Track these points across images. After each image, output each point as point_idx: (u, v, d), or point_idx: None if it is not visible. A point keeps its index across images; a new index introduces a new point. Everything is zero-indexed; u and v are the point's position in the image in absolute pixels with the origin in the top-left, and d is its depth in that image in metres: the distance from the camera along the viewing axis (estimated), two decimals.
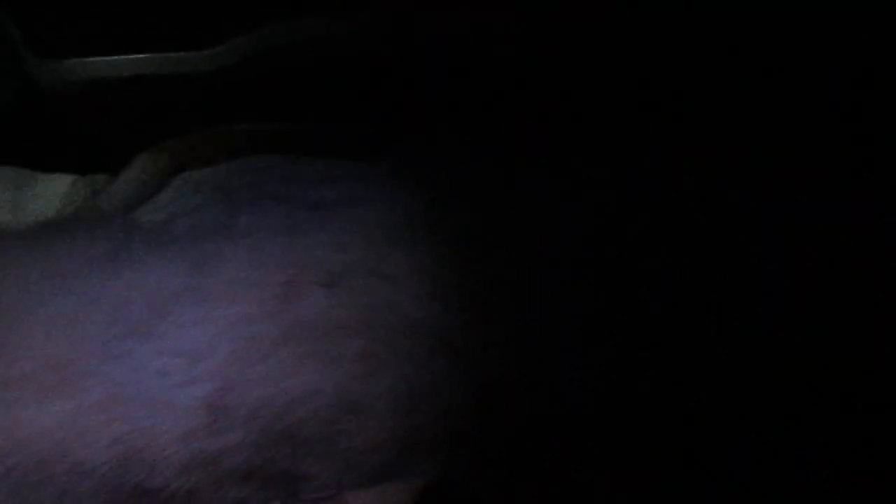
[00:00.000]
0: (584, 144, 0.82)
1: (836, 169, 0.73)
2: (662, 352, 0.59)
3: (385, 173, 0.72)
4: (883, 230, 0.66)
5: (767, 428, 0.56)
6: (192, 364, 0.55)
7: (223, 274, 0.60)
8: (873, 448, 0.55)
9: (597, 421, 0.56)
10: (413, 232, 0.64)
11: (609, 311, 0.62)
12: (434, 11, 0.81)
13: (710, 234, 0.69)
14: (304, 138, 0.81)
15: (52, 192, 0.79)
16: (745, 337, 0.60)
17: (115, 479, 0.53)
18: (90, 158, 0.82)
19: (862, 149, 0.74)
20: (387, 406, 0.55)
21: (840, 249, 0.65)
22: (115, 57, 0.83)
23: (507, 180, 0.72)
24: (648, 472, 0.55)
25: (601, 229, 0.70)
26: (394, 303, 0.58)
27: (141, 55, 0.83)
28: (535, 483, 0.55)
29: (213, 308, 0.57)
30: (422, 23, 0.82)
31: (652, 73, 0.85)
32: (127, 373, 0.55)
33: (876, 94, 0.78)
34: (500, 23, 0.82)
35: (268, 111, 0.84)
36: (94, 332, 0.57)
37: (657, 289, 0.63)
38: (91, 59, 0.83)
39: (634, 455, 0.56)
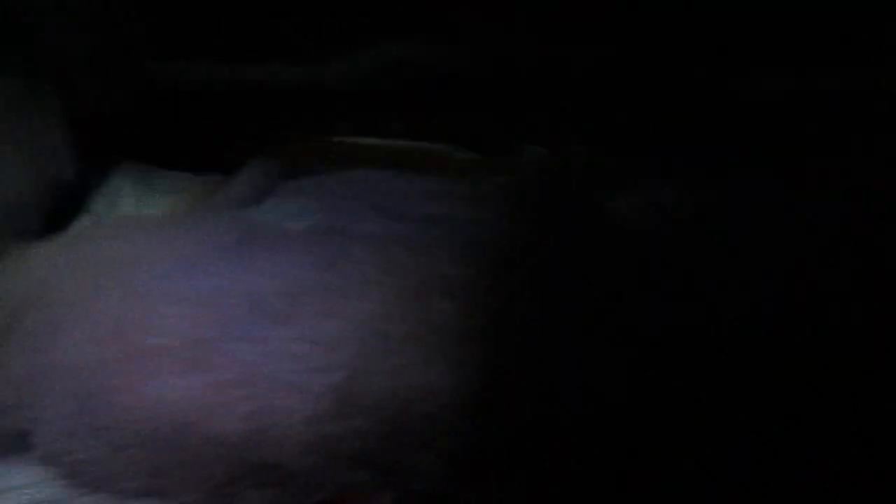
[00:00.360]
0: (587, 144, 0.83)
1: (835, 169, 0.73)
2: (663, 353, 0.59)
3: (481, 194, 0.76)
4: (883, 230, 0.66)
5: (767, 428, 0.56)
6: (325, 352, 0.57)
7: (353, 274, 0.63)
8: (873, 448, 0.55)
9: (597, 421, 0.56)
10: (510, 251, 0.68)
11: (609, 312, 0.62)
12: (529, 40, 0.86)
13: (710, 235, 0.69)
14: (404, 155, 0.84)
15: (171, 188, 0.83)
16: (746, 337, 0.60)
17: (243, 451, 0.55)
18: (206, 158, 0.85)
19: (862, 149, 0.75)
20: (492, 409, 0.57)
21: (840, 249, 0.65)
22: (233, 64, 0.88)
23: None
24: (649, 472, 0.55)
25: (603, 230, 0.71)
26: (503, 315, 0.62)
27: (257, 64, 0.88)
28: (534, 483, 0.55)
29: (346, 303, 0.60)
30: (519, 49, 0.87)
31: (652, 73, 0.85)
32: (262, 355, 0.58)
33: (876, 94, 0.78)
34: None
35: (369, 126, 0.87)
36: (231, 315, 0.60)
37: (657, 289, 0.64)
38: (210, 64, 0.87)
39: (635, 455, 0.56)
